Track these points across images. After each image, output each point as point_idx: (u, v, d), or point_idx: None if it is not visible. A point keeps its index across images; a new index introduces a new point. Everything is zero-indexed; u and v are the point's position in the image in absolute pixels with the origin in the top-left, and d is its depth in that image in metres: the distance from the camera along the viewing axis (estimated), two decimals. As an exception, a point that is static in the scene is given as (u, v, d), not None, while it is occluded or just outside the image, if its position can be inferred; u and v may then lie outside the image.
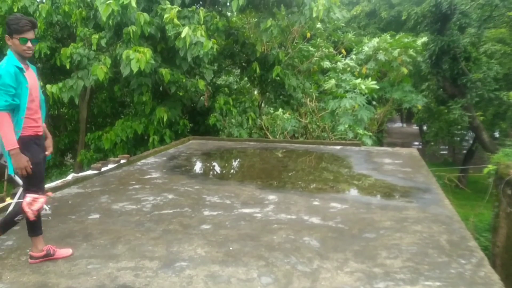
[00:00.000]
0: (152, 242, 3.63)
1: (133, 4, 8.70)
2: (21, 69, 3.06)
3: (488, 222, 7.97)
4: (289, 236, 3.76)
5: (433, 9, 14.22)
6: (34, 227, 3.23)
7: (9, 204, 4.35)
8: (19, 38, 3.02)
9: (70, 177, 5.86)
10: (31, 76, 3.20)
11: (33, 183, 3.16)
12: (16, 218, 3.21)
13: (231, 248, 3.50)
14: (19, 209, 3.15)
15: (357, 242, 3.62)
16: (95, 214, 4.41)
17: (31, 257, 3.23)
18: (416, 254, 3.36)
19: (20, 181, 4.32)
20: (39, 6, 10.31)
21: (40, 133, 3.25)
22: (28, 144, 3.10)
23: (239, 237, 3.76)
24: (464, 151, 20.50)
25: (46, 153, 3.42)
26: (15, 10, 10.22)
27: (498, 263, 5.83)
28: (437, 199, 4.94)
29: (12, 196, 4.44)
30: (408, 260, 3.25)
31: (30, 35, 3.07)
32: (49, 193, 3.27)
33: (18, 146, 3.00)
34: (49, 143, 3.48)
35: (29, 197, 3.09)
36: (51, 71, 14.64)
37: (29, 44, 3.07)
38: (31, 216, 3.09)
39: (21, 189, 4.35)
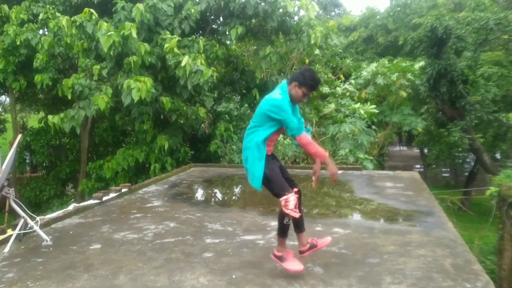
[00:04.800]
0: (154, 272, 3.59)
1: (134, 35, 8.87)
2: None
3: (493, 244, 7.88)
4: (292, 263, 3.71)
5: (429, 34, 14.41)
6: (300, 223, 3.58)
7: (10, 236, 4.33)
8: (305, 92, 3.53)
9: (71, 207, 5.84)
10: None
11: (277, 188, 3.51)
12: (285, 222, 3.46)
13: (233, 276, 3.47)
14: (281, 214, 3.45)
15: (360, 268, 3.58)
16: (97, 244, 4.38)
17: (300, 252, 3.65)
18: (421, 278, 3.33)
19: (20, 212, 4.32)
20: (42, 38, 10.50)
21: (270, 153, 3.67)
22: (266, 159, 3.56)
23: (241, 264, 3.73)
24: (466, 173, 20.39)
25: (313, 178, 3.84)
26: (18, 43, 10.41)
27: (505, 287, 5.74)
28: (440, 222, 4.91)
29: (13, 227, 4.42)
30: (413, 285, 3.20)
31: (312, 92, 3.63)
32: (295, 189, 3.58)
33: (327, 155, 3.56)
34: (315, 167, 3.83)
35: (282, 200, 3.41)
36: (52, 102, 14.79)
37: (305, 99, 3.64)
38: (295, 214, 3.40)
39: (22, 220, 4.36)
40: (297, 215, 3.41)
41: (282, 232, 3.51)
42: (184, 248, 4.19)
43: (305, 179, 8.25)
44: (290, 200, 3.38)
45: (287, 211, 3.37)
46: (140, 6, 9.45)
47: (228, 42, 12.83)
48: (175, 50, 9.14)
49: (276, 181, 3.53)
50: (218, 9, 11.15)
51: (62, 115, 9.28)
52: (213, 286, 3.28)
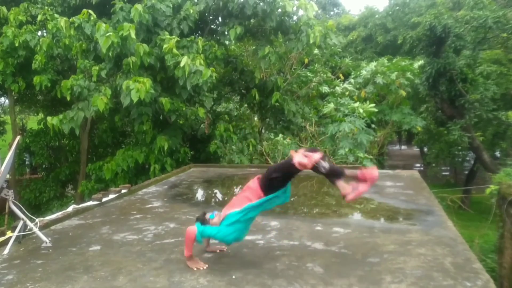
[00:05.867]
0: (154, 273, 3.59)
1: (133, 35, 8.86)
2: None
3: (493, 243, 7.88)
4: (292, 263, 3.71)
5: (427, 32, 14.43)
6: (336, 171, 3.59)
7: (10, 238, 4.33)
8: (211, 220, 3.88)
9: (70, 208, 5.83)
10: None
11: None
12: (323, 169, 3.48)
13: (233, 277, 3.46)
14: (316, 167, 3.40)
15: (361, 267, 3.58)
16: (96, 246, 4.37)
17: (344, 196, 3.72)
18: (421, 277, 3.32)
19: (20, 214, 4.32)
20: (40, 40, 10.49)
21: None
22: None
23: (241, 265, 3.72)
24: (466, 172, 20.42)
25: None
26: (17, 44, 10.40)
27: (506, 285, 5.74)
28: (440, 221, 4.90)
29: (13, 230, 4.41)
30: (413, 284, 3.20)
31: None
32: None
33: None
34: None
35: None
36: (51, 103, 14.79)
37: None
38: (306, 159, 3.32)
39: (21, 222, 4.35)
40: (317, 157, 3.35)
41: (335, 175, 3.57)
42: (184, 248, 4.17)
43: (305, 179, 8.24)
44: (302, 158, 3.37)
45: (303, 161, 3.35)
46: (139, 6, 9.45)
47: (227, 42, 12.83)
48: (174, 50, 9.14)
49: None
50: (216, 10, 11.16)
51: (61, 116, 9.27)
52: (213, 287, 3.28)
